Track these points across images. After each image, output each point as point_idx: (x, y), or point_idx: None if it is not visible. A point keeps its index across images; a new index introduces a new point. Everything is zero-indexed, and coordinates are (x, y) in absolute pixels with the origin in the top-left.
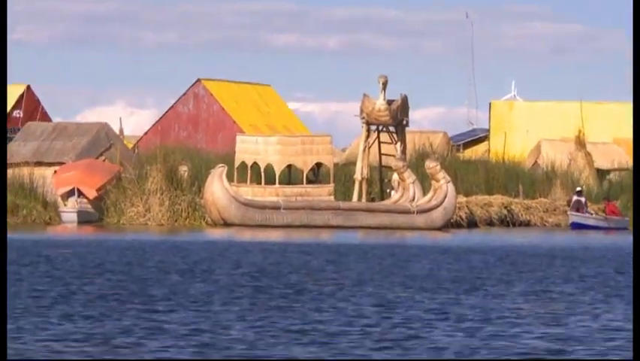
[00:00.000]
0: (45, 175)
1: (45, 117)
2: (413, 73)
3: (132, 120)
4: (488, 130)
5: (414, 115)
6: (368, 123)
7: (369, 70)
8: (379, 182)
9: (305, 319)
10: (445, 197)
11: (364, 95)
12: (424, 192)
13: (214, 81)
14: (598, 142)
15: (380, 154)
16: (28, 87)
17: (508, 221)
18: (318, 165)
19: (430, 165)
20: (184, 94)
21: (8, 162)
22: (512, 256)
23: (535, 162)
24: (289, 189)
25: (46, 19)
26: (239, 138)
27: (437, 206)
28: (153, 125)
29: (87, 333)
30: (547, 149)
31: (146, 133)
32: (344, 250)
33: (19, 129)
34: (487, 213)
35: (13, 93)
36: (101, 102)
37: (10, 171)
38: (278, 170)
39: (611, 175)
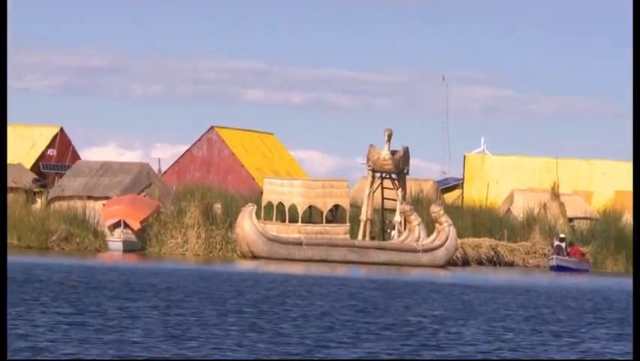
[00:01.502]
0: (93, 208)
1: (75, 156)
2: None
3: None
4: (462, 179)
5: None
6: (374, 170)
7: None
8: (381, 222)
9: None
10: (447, 238)
11: (371, 145)
12: (428, 233)
13: (225, 129)
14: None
15: (383, 198)
16: (62, 129)
17: (495, 261)
18: (336, 206)
19: (435, 209)
20: (199, 139)
21: (61, 194)
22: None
23: (509, 209)
24: (310, 227)
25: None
26: (266, 180)
27: (440, 246)
28: (170, 167)
29: None
30: (519, 198)
31: (165, 173)
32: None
33: (53, 165)
34: (477, 254)
35: (47, 134)
36: (96, 143)
37: (63, 203)
38: (301, 210)
39: (574, 223)
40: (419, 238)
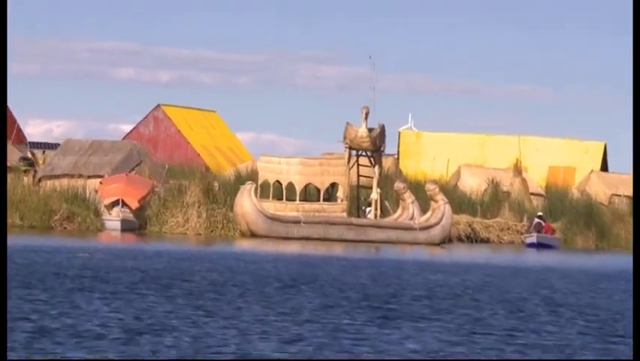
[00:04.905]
0: (83, 186)
1: (20, 134)
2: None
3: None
4: (394, 155)
5: None
6: (350, 148)
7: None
8: (357, 200)
9: None
10: (443, 216)
11: (347, 123)
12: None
13: (171, 106)
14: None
15: (358, 176)
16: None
17: (472, 238)
18: (332, 184)
19: (431, 187)
20: (145, 117)
21: (50, 173)
22: None
23: (456, 184)
24: (308, 206)
25: None
26: (262, 158)
27: (436, 224)
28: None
29: None
30: (466, 174)
31: None
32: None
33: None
34: (456, 230)
35: None
36: None
37: (53, 182)
38: (299, 188)
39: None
40: (413, 216)
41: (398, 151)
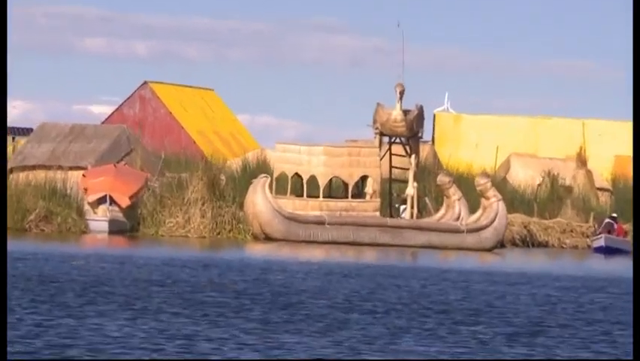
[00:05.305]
0: (63, 179)
1: None
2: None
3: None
4: (429, 141)
5: None
6: (382, 134)
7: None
8: (388, 196)
9: None
10: (496, 216)
11: (378, 104)
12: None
13: (160, 84)
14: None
15: (391, 167)
16: None
17: (528, 241)
18: (363, 178)
19: (481, 181)
20: (130, 96)
21: (21, 164)
22: None
23: (504, 177)
24: (334, 203)
25: None
26: (279, 146)
27: (487, 225)
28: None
29: None
30: (517, 164)
31: None
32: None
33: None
34: (509, 233)
35: None
36: None
37: (30, 175)
38: (322, 182)
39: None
40: (460, 215)
41: (433, 137)
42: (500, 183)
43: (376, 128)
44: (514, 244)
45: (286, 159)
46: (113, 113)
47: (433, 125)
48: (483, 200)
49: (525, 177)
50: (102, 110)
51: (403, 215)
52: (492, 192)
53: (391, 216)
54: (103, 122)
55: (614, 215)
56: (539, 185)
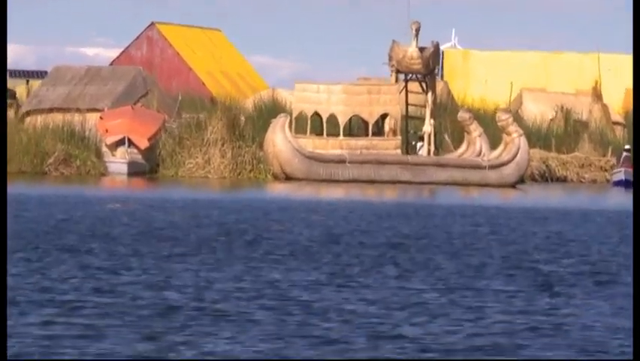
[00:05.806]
0: (80, 122)
1: None
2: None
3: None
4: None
5: None
6: (398, 71)
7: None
8: (405, 133)
9: None
10: (518, 151)
11: (394, 41)
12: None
13: (168, 25)
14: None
15: (407, 104)
16: None
17: (547, 177)
18: (383, 116)
19: (503, 117)
20: (137, 37)
21: (38, 107)
22: None
23: (517, 112)
24: (354, 142)
25: None
26: (298, 86)
27: (509, 161)
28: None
29: None
30: (528, 100)
31: None
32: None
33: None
34: (528, 168)
35: None
36: None
37: (47, 117)
38: (342, 121)
39: None
40: (481, 151)
41: (441, 74)
42: (515, 119)
43: (392, 66)
44: (533, 179)
45: (305, 98)
46: (120, 55)
47: (442, 62)
48: (504, 135)
49: (537, 112)
50: (96, 52)
51: (419, 152)
52: (514, 128)
53: (407, 153)
54: (111, 64)
55: (628, 147)
56: (552, 120)
